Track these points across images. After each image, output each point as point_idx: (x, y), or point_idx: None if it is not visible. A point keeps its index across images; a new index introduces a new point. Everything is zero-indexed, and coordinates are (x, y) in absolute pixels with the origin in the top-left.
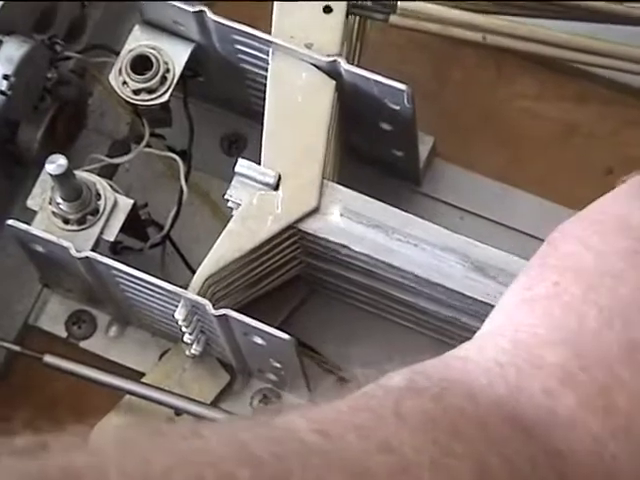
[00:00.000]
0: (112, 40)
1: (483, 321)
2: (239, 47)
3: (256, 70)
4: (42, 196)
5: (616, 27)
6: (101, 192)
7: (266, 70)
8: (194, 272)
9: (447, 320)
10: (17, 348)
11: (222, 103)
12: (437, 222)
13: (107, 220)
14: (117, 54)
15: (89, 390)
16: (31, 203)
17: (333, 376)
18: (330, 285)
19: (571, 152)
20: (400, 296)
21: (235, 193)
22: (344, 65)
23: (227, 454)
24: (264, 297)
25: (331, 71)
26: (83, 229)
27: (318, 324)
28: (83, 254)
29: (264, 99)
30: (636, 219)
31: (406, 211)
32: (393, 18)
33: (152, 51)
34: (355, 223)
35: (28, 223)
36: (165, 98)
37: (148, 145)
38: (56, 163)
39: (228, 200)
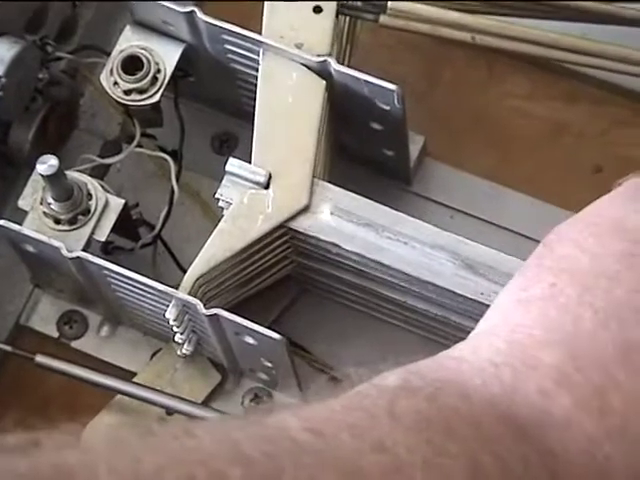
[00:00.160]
0: (103, 41)
1: (473, 319)
2: (229, 47)
3: (247, 70)
4: (33, 196)
5: (606, 27)
6: (92, 192)
7: (257, 70)
8: (185, 272)
9: (437, 319)
10: (8, 348)
11: (213, 103)
12: (427, 221)
13: (98, 220)
14: (108, 54)
15: (81, 390)
16: (22, 203)
17: (324, 375)
18: (321, 284)
19: (561, 151)
20: (390, 295)
21: (226, 192)
22: (334, 65)
23: (218, 453)
24: (255, 297)
25: (321, 71)
26: (74, 229)
27: (309, 323)
28: (74, 254)
29: (255, 99)
30: (631, 222)
31: (396, 210)
32: (383, 18)
33: (143, 51)
34: (345, 221)
35: (19, 223)
36: (156, 98)
37: (139, 145)
38: (47, 163)
39: (219, 199)
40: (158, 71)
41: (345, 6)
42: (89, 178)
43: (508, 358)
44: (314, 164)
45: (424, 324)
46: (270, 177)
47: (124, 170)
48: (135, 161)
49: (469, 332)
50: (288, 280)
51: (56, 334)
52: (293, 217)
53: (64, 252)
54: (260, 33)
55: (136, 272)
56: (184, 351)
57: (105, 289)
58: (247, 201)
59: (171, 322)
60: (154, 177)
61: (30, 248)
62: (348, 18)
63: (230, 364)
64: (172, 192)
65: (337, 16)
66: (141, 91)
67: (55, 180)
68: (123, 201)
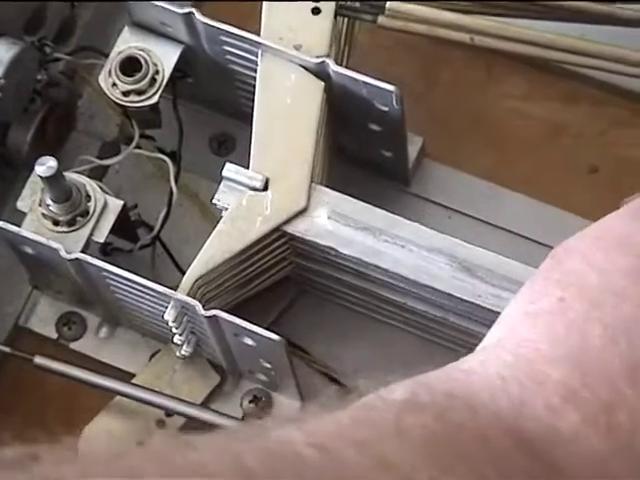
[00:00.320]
0: (101, 42)
1: (472, 320)
2: (228, 48)
3: (245, 71)
4: (32, 198)
5: (604, 28)
6: (91, 193)
7: (255, 71)
8: (184, 273)
9: (436, 320)
10: (7, 349)
11: (211, 104)
12: (426, 222)
13: (97, 221)
14: (106, 56)
15: (79, 391)
16: (21, 205)
17: (323, 376)
18: (319, 286)
19: (559, 152)
20: (389, 296)
21: (223, 197)
22: (333, 66)
23: (220, 468)
24: (254, 298)
25: (320, 72)
26: (73, 230)
27: (308, 324)
28: (73, 256)
29: (253, 100)
30: (638, 237)
31: (395, 211)
32: (381, 19)
33: (141, 53)
34: (342, 225)
35: (18, 225)
36: (154, 100)
37: (138, 146)
38: (46, 165)
39: (216, 204)
40: (156, 72)
41: (343, 7)
42: (88, 179)
43: (516, 372)
44: (313, 165)
45: (423, 325)
46: (267, 181)
47: (123, 171)
48: (134, 162)
49: (468, 333)
50: (287, 281)
51: (55, 335)
52: (291, 220)
53: (63, 254)
54: (258, 34)
55: (135, 273)
56: (183, 352)
57: (104, 290)
58: (245, 203)
59: (170, 323)
60: (153, 178)
61: (29, 250)
62: (346, 19)
63: (229, 365)
64: (171, 193)
65: (335, 17)
66: (139, 92)
67: (54, 181)
68: (122, 202)
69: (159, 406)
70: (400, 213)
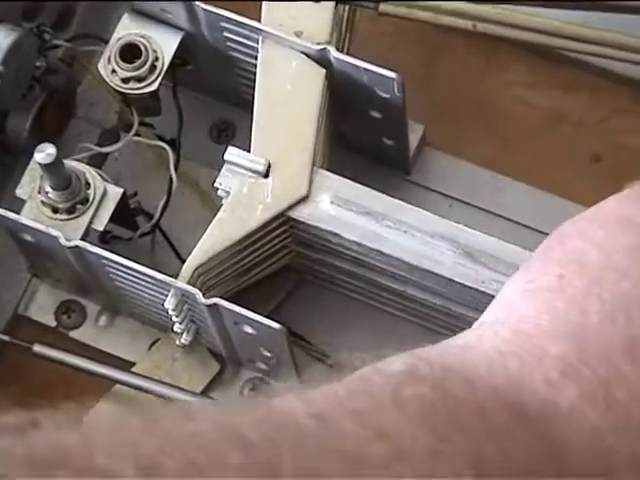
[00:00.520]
0: (101, 28)
1: (472, 308)
2: (228, 35)
3: (246, 58)
4: (31, 185)
5: (607, 15)
6: (90, 181)
7: (256, 58)
8: (184, 261)
9: (437, 308)
10: (6, 338)
11: (211, 91)
12: (426, 210)
13: (96, 209)
14: (106, 42)
15: (79, 380)
16: (20, 192)
17: (323, 364)
18: (320, 274)
19: (560, 140)
20: (390, 284)
21: (225, 181)
22: (334, 53)
23: (219, 438)
24: (254, 286)
25: (321, 59)
26: (72, 218)
27: (308, 313)
28: (72, 243)
29: (254, 87)
30: None
31: (396, 199)
32: (383, 6)
33: (141, 39)
34: (345, 210)
35: (17, 212)
36: (154, 87)
37: (137, 134)
38: (45, 152)
39: (217, 188)
40: (156, 59)
41: None
42: (87, 167)
43: (514, 347)
44: (314, 153)
45: (423, 313)
46: (269, 166)
47: (122, 159)
48: (133, 150)
49: (469, 321)
50: (287, 270)
51: (54, 324)
52: (292, 206)
53: (62, 241)
54: (259, 21)
55: (135, 261)
56: (183, 341)
57: (103, 278)
58: (246, 190)
59: (170, 312)
60: (152, 166)
61: (28, 237)
62: (348, 6)
63: (229, 354)
64: (170, 181)
65: (337, 4)
66: (139, 79)
67: (53, 169)
68: (121, 190)
69: (159, 395)
70: (401, 201)
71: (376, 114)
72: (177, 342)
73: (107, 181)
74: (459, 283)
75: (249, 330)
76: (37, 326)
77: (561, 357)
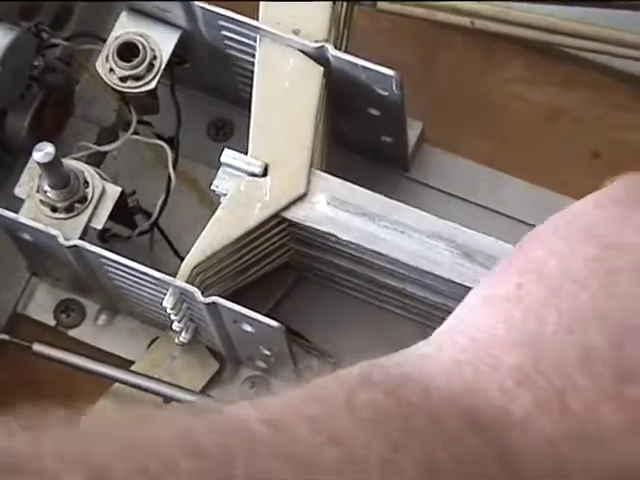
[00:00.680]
0: (99, 27)
1: None
2: (226, 33)
3: (243, 56)
4: (30, 184)
5: (604, 10)
6: (89, 180)
7: (253, 56)
8: (183, 259)
9: (435, 306)
10: (5, 337)
11: (209, 90)
12: (425, 207)
13: (95, 208)
14: (104, 41)
15: (78, 378)
16: (19, 191)
17: (322, 362)
18: (319, 272)
19: (559, 136)
20: (388, 282)
21: (221, 184)
22: (332, 51)
23: (172, 443)
24: (253, 284)
25: (319, 57)
26: (71, 217)
27: (307, 311)
28: (71, 242)
29: (252, 85)
30: (602, 228)
31: (394, 197)
32: (381, 3)
33: (139, 38)
34: (342, 211)
35: (16, 211)
36: (152, 85)
37: (135, 132)
38: (43, 151)
39: (214, 191)
40: (154, 58)
41: None
42: (86, 166)
43: (471, 356)
44: (312, 151)
45: (422, 311)
46: (266, 167)
47: (120, 157)
48: (132, 148)
49: None
50: (286, 268)
51: (53, 322)
52: (290, 206)
53: (61, 240)
54: (257, 19)
55: (133, 260)
56: (182, 339)
57: (102, 277)
58: (244, 189)
59: (169, 310)
60: (151, 164)
61: (27, 236)
62: (345, 3)
63: (228, 352)
64: (169, 180)
65: (334, 2)
66: (137, 78)
67: (51, 168)
68: (120, 189)
69: (158, 393)
70: (399, 198)
71: (374, 111)
72: (176, 341)
73: (105, 180)
74: (456, 283)
75: (248, 328)
76: (36, 325)
77: (516, 366)
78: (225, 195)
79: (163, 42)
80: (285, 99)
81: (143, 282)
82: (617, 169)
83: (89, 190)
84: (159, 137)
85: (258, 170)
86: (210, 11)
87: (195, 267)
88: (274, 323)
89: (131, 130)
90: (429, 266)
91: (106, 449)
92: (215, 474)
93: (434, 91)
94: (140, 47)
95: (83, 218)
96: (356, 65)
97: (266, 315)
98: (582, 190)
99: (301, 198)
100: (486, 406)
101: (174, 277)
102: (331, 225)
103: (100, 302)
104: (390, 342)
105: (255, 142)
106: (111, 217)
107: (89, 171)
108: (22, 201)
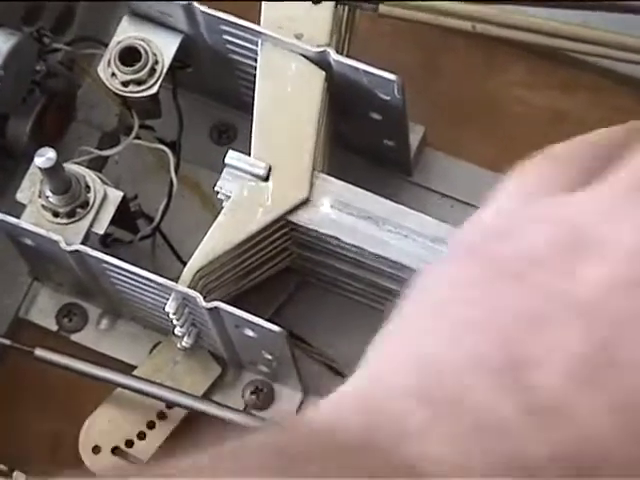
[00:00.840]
0: (101, 32)
1: None
2: (228, 38)
3: (245, 61)
4: (31, 189)
5: (607, 15)
6: (90, 185)
7: (255, 61)
8: (185, 264)
9: None
10: (7, 342)
11: (212, 93)
12: (428, 211)
13: (97, 213)
14: (106, 46)
15: (80, 383)
16: (20, 196)
17: (325, 367)
18: (321, 276)
19: (561, 140)
20: (391, 287)
21: (225, 185)
22: (333, 55)
23: None
24: (255, 289)
25: (321, 61)
26: (73, 222)
27: (309, 315)
28: (73, 247)
29: (254, 89)
30: (487, 247)
31: (397, 201)
32: (382, 8)
33: (141, 43)
34: (345, 214)
35: (17, 216)
36: (154, 90)
37: (137, 137)
38: (45, 156)
39: (218, 192)
40: (156, 62)
41: None
42: (87, 170)
43: (369, 382)
44: (314, 156)
45: None
46: (270, 169)
47: (122, 162)
48: (133, 153)
49: None
50: (288, 272)
51: (55, 327)
52: (293, 210)
53: (63, 245)
54: (259, 23)
55: (135, 265)
56: (184, 344)
57: (104, 282)
58: (247, 193)
59: (171, 315)
60: (153, 169)
61: (28, 241)
62: (347, 7)
63: (230, 357)
64: (171, 184)
65: (336, 6)
66: (139, 82)
67: (53, 173)
68: (122, 193)
69: (160, 398)
70: (402, 202)
71: (376, 116)
72: (178, 345)
73: (107, 184)
74: None
75: (250, 333)
76: (38, 329)
77: (412, 385)
78: (228, 197)
79: (165, 46)
80: (287, 103)
81: (145, 287)
82: None
83: (91, 195)
84: (161, 141)
85: (262, 172)
86: (212, 15)
87: (197, 272)
88: (276, 328)
89: (133, 134)
90: None
91: None
92: None
93: (436, 95)
94: (142, 52)
95: (85, 223)
96: (358, 69)
97: (268, 320)
98: None
99: (304, 202)
100: (385, 426)
101: (176, 282)
102: (334, 228)
103: (102, 307)
104: None
105: (257, 146)
106: (113, 222)
107: (91, 176)
108: (24, 206)
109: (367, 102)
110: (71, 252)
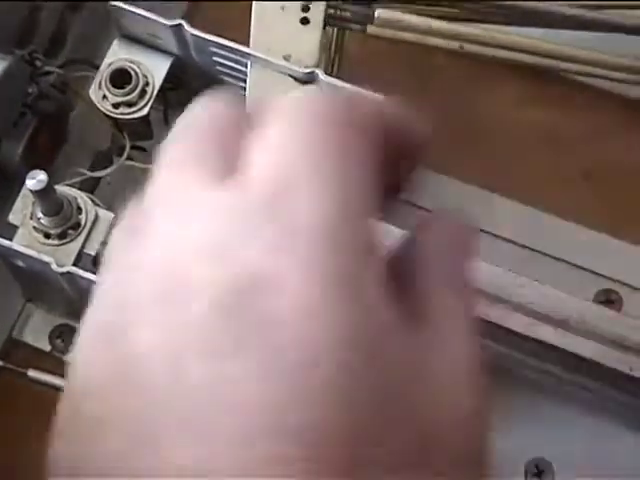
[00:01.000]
0: (92, 54)
1: None
2: (217, 59)
3: (235, 82)
4: (23, 211)
5: (596, 34)
6: (82, 206)
7: (245, 81)
8: None
9: None
10: (0, 363)
11: None
12: None
13: (88, 234)
14: (97, 68)
15: None
16: (12, 218)
17: None
18: None
19: (551, 157)
20: None
21: None
22: (322, 76)
23: None
24: None
25: (309, 82)
26: (64, 243)
27: None
28: (64, 269)
29: None
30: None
31: (387, 220)
32: (371, 29)
33: (131, 65)
34: None
35: (10, 238)
36: (144, 112)
37: (129, 158)
38: (36, 179)
39: None
40: (147, 84)
41: (332, 17)
42: (79, 192)
43: None
44: None
45: None
46: None
47: (115, 183)
48: (125, 174)
49: None
50: None
51: (48, 348)
52: None
53: (54, 267)
54: (248, 44)
55: None
56: None
57: None
58: None
59: None
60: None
61: (21, 263)
62: (336, 28)
63: None
64: None
65: (324, 27)
66: (130, 104)
67: (44, 195)
68: (113, 215)
69: None
70: (392, 222)
71: None
72: None
73: (99, 206)
74: None
75: None
76: (32, 350)
77: None
78: None
79: (155, 68)
80: None
81: None
82: (610, 191)
83: (82, 216)
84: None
85: None
86: (201, 37)
87: None
88: None
89: (124, 156)
90: None
91: None
92: None
93: (427, 113)
94: (132, 74)
95: (76, 244)
96: (345, 90)
97: None
98: (573, 210)
99: None
100: None
101: None
102: None
103: None
104: None
105: None
106: (105, 243)
107: (82, 197)
108: (16, 228)
109: None
110: (62, 274)
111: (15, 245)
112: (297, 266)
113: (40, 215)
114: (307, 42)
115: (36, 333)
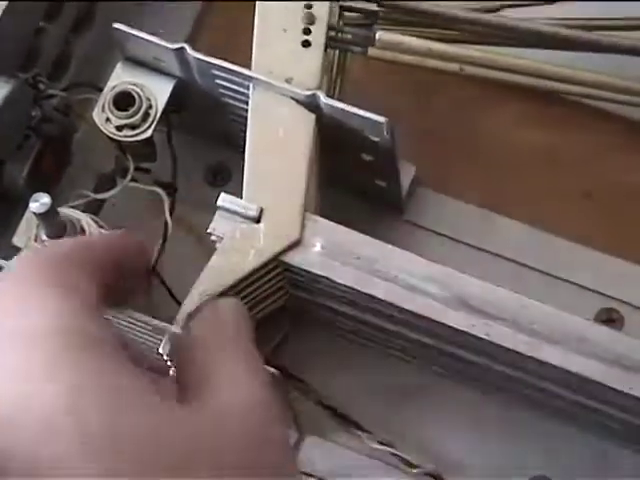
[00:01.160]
0: (96, 77)
1: (467, 348)
2: (220, 82)
3: (238, 104)
4: (27, 234)
5: (595, 55)
6: (86, 228)
7: (247, 104)
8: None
9: (432, 347)
10: None
11: (206, 135)
12: (419, 249)
13: None
14: (100, 91)
15: None
16: (16, 240)
17: (321, 407)
18: (316, 315)
19: (552, 178)
20: (385, 326)
21: (218, 227)
22: (323, 99)
23: None
24: None
25: (311, 105)
26: None
27: (304, 354)
28: None
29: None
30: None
31: (388, 239)
32: (372, 51)
33: (134, 87)
34: (337, 255)
35: None
36: (148, 134)
37: (133, 179)
38: (39, 201)
39: (211, 234)
40: (150, 107)
41: (333, 39)
42: (82, 214)
43: None
44: (305, 197)
45: (420, 353)
46: (262, 211)
47: (119, 205)
48: (129, 195)
49: (465, 361)
50: (283, 311)
51: None
52: (284, 251)
53: None
54: (250, 67)
55: (130, 306)
56: None
57: None
58: (239, 235)
59: (165, 357)
60: (149, 211)
61: None
62: (337, 51)
63: None
64: (166, 226)
65: (326, 50)
66: (133, 127)
67: (48, 218)
68: None
69: None
70: (394, 241)
71: (367, 157)
72: None
73: (103, 227)
74: (450, 327)
75: None
76: None
77: None
78: (221, 239)
79: (158, 91)
80: (278, 146)
81: (139, 328)
82: (611, 211)
83: None
84: (158, 183)
85: (254, 214)
86: (203, 60)
87: (191, 314)
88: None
89: (128, 177)
90: (422, 309)
91: None
92: None
93: (428, 134)
94: (136, 96)
95: None
96: (347, 112)
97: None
98: (574, 230)
99: (296, 243)
100: None
101: (171, 323)
102: (325, 269)
103: None
104: (390, 385)
105: (249, 189)
106: None
107: (86, 219)
108: (20, 250)
109: (358, 144)
110: None
111: None
112: None
113: (44, 237)
114: (309, 64)
115: None
